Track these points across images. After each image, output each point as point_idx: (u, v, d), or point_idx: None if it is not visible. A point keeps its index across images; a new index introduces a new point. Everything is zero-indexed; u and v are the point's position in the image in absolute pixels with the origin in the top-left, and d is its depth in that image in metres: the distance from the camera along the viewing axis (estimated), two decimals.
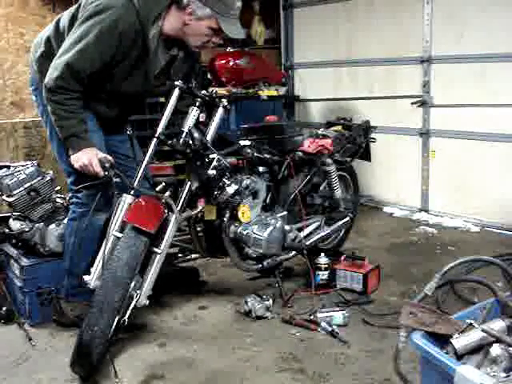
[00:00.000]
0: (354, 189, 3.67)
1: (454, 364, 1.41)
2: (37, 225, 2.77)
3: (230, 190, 2.59)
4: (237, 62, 4.71)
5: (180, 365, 2.35)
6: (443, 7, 4.21)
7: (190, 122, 2.53)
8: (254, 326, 2.67)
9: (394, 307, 2.76)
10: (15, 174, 2.78)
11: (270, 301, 2.78)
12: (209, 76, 4.79)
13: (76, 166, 2.41)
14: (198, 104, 2.55)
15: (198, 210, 2.66)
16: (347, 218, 3.34)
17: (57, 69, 2.34)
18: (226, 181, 2.59)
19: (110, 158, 2.43)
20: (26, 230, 2.76)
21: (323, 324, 2.57)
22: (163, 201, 2.44)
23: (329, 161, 3.22)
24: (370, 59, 4.76)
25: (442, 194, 4.46)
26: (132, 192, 2.42)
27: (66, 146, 2.44)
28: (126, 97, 2.60)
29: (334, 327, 2.55)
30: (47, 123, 2.58)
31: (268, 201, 2.98)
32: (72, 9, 2.54)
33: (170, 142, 2.51)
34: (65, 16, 2.56)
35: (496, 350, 1.44)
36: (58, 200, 2.87)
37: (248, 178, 2.79)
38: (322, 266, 3.05)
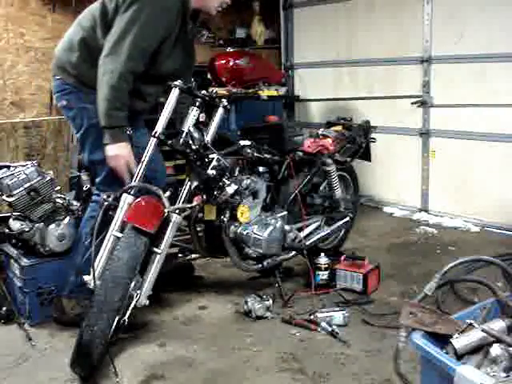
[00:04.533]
0: (354, 189, 3.67)
1: (454, 364, 1.41)
2: (37, 225, 2.77)
3: (230, 189, 2.59)
4: (237, 62, 4.71)
5: (180, 365, 2.35)
6: (443, 7, 4.21)
7: (189, 122, 2.53)
8: (254, 326, 2.67)
9: (393, 307, 2.76)
10: (15, 174, 2.77)
11: (270, 301, 2.78)
12: (209, 76, 4.80)
13: (111, 163, 2.49)
14: (197, 104, 2.55)
15: (194, 204, 2.64)
16: (347, 218, 3.34)
17: (123, 52, 2.42)
18: (225, 181, 2.59)
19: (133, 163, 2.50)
20: (26, 229, 2.75)
21: (323, 324, 2.57)
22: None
23: (329, 161, 3.22)
24: (370, 59, 4.75)
25: (442, 194, 4.46)
26: (132, 192, 2.42)
27: (105, 133, 2.47)
28: (165, 79, 2.63)
29: (334, 327, 2.55)
30: (82, 125, 2.62)
31: (268, 201, 2.98)
32: (94, 6, 2.60)
33: (170, 141, 2.51)
34: (92, 12, 2.60)
35: (496, 349, 1.44)
36: (57, 200, 2.87)
37: (248, 178, 2.79)
38: (322, 266, 3.05)
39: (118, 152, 2.47)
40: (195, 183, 2.59)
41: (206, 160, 2.51)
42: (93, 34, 2.57)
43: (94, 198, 2.72)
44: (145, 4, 2.44)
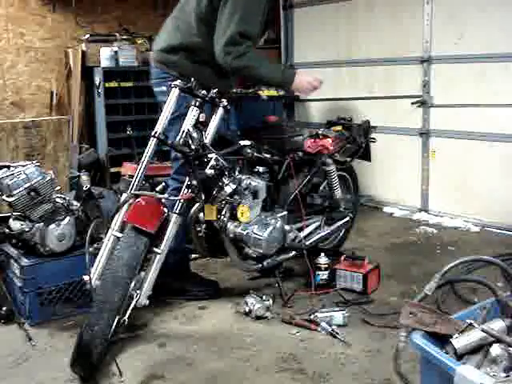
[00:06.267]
0: (354, 189, 3.67)
1: (454, 364, 1.41)
2: (37, 225, 2.77)
3: (228, 189, 2.59)
4: None
5: (180, 365, 2.35)
6: (443, 7, 4.21)
7: (189, 121, 2.53)
8: (254, 326, 2.67)
9: (393, 307, 2.76)
10: (15, 174, 2.78)
11: (270, 301, 2.78)
12: None
13: (305, 85, 2.95)
14: (197, 104, 2.55)
15: (178, 198, 2.61)
16: (347, 218, 3.34)
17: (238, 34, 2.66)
18: (224, 180, 2.59)
19: None
20: (26, 229, 2.76)
21: (323, 324, 2.57)
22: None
23: (329, 161, 3.22)
24: (370, 59, 4.76)
25: (442, 194, 4.46)
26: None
27: (285, 81, 2.89)
28: None
29: (334, 327, 2.55)
30: (176, 110, 2.70)
31: (268, 201, 2.98)
32: (188, 11, 2.79)
33: (169, 141, 2.51)
34: (189, 13, 2.79)
35: (496, 349, 1.44)
36: (57, 200, 2.87)
37: (248, 178, 2.79)
38: (322, 266, 3.05)
39: (300, 77, 2.92)
40: (194, 183, 2.59)
41: (205, 160, 2.51)
42: (190, 36, 2.78)
43: (173, 186, 2.84)
44: None
